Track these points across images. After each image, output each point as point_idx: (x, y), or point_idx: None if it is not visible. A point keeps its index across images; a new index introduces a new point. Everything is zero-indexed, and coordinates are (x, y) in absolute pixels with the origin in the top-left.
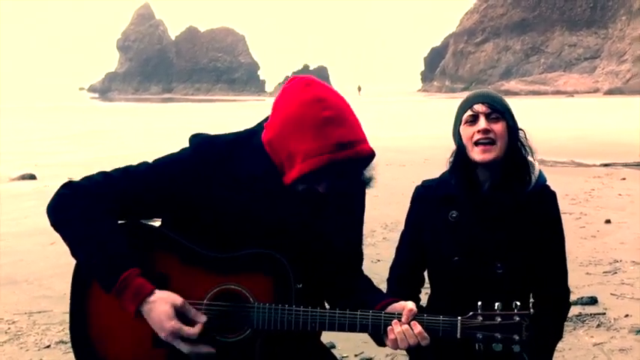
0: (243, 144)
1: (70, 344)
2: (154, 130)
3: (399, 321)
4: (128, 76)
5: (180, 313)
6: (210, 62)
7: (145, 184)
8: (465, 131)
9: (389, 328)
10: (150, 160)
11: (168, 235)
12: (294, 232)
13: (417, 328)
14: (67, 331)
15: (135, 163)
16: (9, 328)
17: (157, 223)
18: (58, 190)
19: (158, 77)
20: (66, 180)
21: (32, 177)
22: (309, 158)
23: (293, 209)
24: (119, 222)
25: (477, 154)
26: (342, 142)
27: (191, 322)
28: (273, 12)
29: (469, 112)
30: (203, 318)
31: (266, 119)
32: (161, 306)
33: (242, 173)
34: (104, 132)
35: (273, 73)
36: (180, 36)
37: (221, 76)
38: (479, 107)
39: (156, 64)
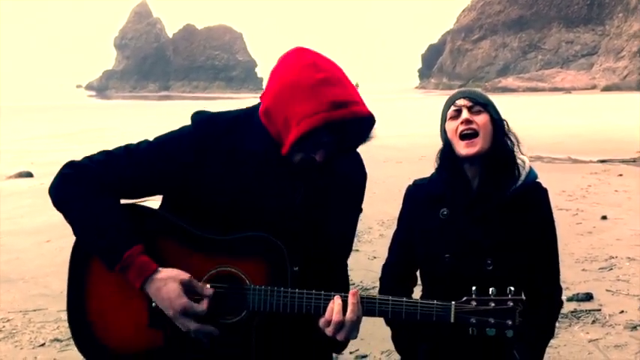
0: (245, 121)
1: (65, 342)
2: (152, 128)
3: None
4: (125, 74)
5: (187, 290)
6: (208, 60)
7: (147, 161)
8: (449, 126)
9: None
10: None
11: (167, 218)
12: (292, 214)
13: (352, 303)
14: (62, 330)
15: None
16: (4, 327)
17: (156, 202)
18: (61, 169)
19: (155, 75)
20: None
21: (29, 175)
22: (305, 119)
23: (291, 187)
24: (121, 201)
25: (462, 149)
26: (337, 101)
27: (198, 298)
28: (270, 9)
29: (452, 108)
30: (210, 291)
31: None
32: (169, 284)
33: (242, 150)
34: (101, 130)
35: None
36: (177, 34)
37: (219, 74)
38: (461, 102)
39: (153, 62)
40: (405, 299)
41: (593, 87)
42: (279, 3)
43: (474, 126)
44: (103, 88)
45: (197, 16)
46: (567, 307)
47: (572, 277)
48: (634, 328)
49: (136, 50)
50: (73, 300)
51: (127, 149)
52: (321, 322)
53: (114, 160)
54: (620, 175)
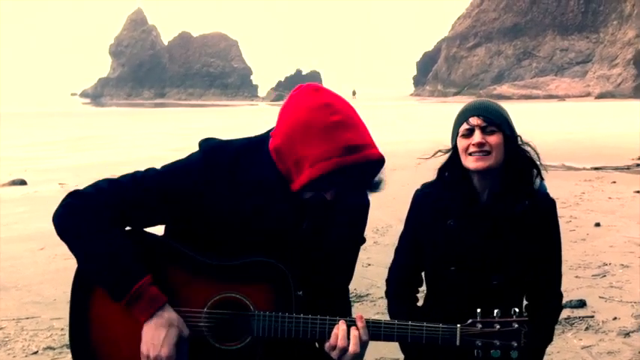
0: (253, 150)
1: (57, 350)
2: (147, 135)
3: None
4: (121, 82)
5: (177, 343)
6: (203, 67)
7: (153, 191)
8: (461, 143)
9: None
10: (157, 166)
11: (171, 244)
12: (296, 240)
13: (356, 329)
14: (55, 338)
15: (131, 168)
16: None
17: (159, 228)
18: (65, 198)
19: (151, 82)
20: (57, 185)
21: (23, 182)
22: (318, 163)
23: (296, 218)
24: (125, 229)
25: (470, 163)
26: (351, 145)
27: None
28: (266, 17)
29: (465, 126)
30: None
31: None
32: (172, 330)
33: (249, 180)
34: (96, 137)
35: (266, 78)
36: (173, 41)
37: (214, 81)
38: (474, 120)
39: (148, 69)
40: (410, 323)
41: (588, 94)
42: (275, 11)
43: (486, 148)
44: (97, 95)
45: (192, 23)
46: (561, 313)
47: (565, 284)
48: (627, 334)
49: (132, 57)
50: (76, 329)
51: (134, 178)
52: (326, 346)
53: (120, 189)
54: (614, 182)
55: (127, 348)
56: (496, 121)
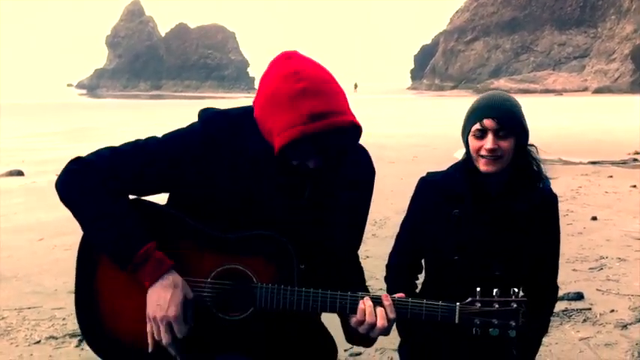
0: (250, 119)
1: (60, 340)
2: (144, 127)
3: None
4: (117, 73)
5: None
6: (200, 59)
7: (154, 159)
8: (473, 143)
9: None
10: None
11: (175, 215)
12: (299, 212)
13: (383, 305)
14: (57, 327)
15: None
16: None
17: (163, 198)
18: (67, 165)
19: (147, 74)
20: (54, 177)
21: (20, 173)
22: (283, 131)
23: (298, 188)
24: (129, 197)
25: (481, 165)
26: (314, 113)
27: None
28: (264, 9)
29: (477, 126)
30: (191, 322)
31: None
32: (177, 291)
33: (249, 149)
34: (93, 129)
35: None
36: (170, 32)
37: (211, 73)
38: (488, 123)
39: (145, 60)
40: (410, 299)
41: (585, 89)
42: (273, 2)
43: (498, 153)
44: (94, 86)
45: (189, 14)
46: (558, 306)
47: (563, 277)
48: (624, 327)
49: (128, 49)
50: (82, 296)
51: (136, 145)
52: (353, 321)
53: (122, 156)
54: (610, 176)
55: (134, 319)
56: (510, 124)
